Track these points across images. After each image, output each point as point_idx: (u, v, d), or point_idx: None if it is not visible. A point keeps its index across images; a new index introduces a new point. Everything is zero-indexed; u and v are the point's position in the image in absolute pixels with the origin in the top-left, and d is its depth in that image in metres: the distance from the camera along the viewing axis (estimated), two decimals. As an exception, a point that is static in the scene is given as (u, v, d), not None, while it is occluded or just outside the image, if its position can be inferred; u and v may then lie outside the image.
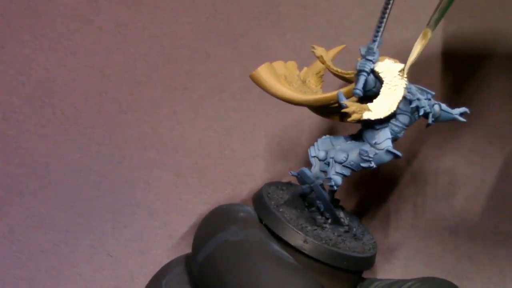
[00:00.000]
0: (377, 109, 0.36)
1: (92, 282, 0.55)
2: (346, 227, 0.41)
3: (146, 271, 0.55)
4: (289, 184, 0.43)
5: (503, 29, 0.51)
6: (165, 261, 0.55)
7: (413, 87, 0.37)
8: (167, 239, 0.55)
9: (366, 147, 0.38)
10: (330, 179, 0.38)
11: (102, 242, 0.55)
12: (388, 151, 0.37)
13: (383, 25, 0.36)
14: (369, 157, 0.37)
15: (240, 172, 0.54)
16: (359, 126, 0.39)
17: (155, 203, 0.55)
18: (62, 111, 0.54)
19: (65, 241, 0.55)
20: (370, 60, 0.36)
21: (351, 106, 0.36)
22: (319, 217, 0.40)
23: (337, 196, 0.41)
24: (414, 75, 0.38)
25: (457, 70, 0.52)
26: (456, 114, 0.38)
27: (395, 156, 0.37)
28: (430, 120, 0.37)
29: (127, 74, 0.54)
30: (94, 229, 0.55)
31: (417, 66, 0.38)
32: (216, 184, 0.55)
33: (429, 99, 0.37)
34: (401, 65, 0.37)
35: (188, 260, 0.43)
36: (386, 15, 0.36)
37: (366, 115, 0.36)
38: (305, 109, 0.41)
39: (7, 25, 0.53)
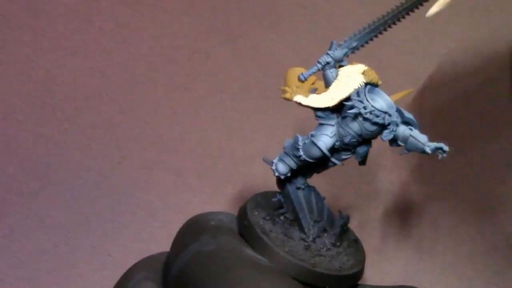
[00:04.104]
0: (314, 98, 0.35)
1: (92, 282, 0.55)
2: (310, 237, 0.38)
3: (146, 271, 0.55)
4: (266, 195, 0.42)
5: None
6: (165, 261, 0.55)
7: (379, 100, 0.35)
8: (167, 239, 0.55)
9: (303, 136, 0.37)
10: (272, 162, 0.38)
11: (102, 242, 0.55)
12: (312, 142, 0.36)
13: (366, 31, 0.36)
14: (298, 144, 0.36)
15: (240, 172, 0.54)
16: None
17: (155, 203, 0.55)
18: (62, 111, 0.54)
19: (65, 242, 0.55)
20: (328, 54, 0.36)
21: (291, 86, 0.35)
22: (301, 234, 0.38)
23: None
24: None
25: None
26: (427, 147, 0.34)
27: (321, 151, 0.36)
28: (384, 136, 0.35)
29: (127, 74, 0.54)
30: (94, 229, 0.54)
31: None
32: (216, 184, 0.55)
33: (396, 119, 0.35)
34: (361, 67, 0.36)
35: (151, 263, 0.43)
36: (379, 27, 0.36)
37: (298, 98, 0.35)
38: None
39: (7, 25, 0.53)
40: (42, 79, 0.54)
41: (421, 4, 0.34)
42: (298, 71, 0.37)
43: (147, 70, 0.54)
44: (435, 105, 0.52)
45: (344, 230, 0.40)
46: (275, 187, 0.55)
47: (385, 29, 0.36)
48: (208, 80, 0.54)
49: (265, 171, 0.55)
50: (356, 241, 0.41)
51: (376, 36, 0.36)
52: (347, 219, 0.40)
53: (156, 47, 0.54)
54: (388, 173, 0.54)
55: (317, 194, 0.40)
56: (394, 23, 0.36)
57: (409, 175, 0.54)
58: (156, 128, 0.54)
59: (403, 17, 0.35)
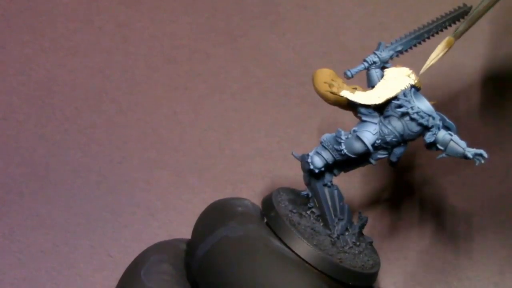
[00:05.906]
0: (359, 95, 0.36)
1: (92, 282, 0.55)
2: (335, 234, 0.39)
3: (146, 271, 0.55)
4: (287, 190, 0.42)
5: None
6: (165, 261, 0.55)
7: (422, 103, 0.36)
8: (167, 239, 0.55)
9: (345, 131, 0.37)
10: (307, 156, 0.37)
11: (102, 242, 0.55)
12: (357, 137, 0.36)
13: (412, 36, 0.36)
14: (341, 138, 0.36)
15: (240, 172, 0.54)
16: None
17: (155, 203, 0.55)
18: (62, 111, 0.54)
19: (65, 242, 0.55)
20: (375, 53, 0.37)
21: (337, 81, 0.36)
22: (329, 232, 0.38)
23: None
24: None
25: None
26: (468, 152, 0.36)
27: (365, 145, 0.36)
28: (427, 137, 0.36)
29: (127, 74, 0.54)
30: (94, 229, 0.55)
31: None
32: (216, 184, 0.55)
33: (439, 122, 0.36)
34: (407, 70, 0.36)
35: (165, 247, 0.43)
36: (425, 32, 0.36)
37: (345, 93, 0.36)
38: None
39: (7, 25, 0.53)
40: (42, 79, 0.54)
41: (466, 15, 0.36)
42: (326, 72, 0.38)
43: (147, 70, 0.54)
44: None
45: (361, 231, 0.41)
46: (275, 187, 0.55)
47: (428, 37, 0.37)
48: (208, 80, 0.54)
49: (265, 171, 0.55)
50: (371, 243, 0.41)
51: (419, 43, 0.37)
52: (365, 221, 0.41)
53: (156, 47, 0.54)
54: (388, 172, 0.54)
55: (339, 193, 0.40)
56: (437, 33, 0.37)
57: (409, 175, 0.54)
58: (156, 128, 0.54)
59: (446, 27, 0.36)
